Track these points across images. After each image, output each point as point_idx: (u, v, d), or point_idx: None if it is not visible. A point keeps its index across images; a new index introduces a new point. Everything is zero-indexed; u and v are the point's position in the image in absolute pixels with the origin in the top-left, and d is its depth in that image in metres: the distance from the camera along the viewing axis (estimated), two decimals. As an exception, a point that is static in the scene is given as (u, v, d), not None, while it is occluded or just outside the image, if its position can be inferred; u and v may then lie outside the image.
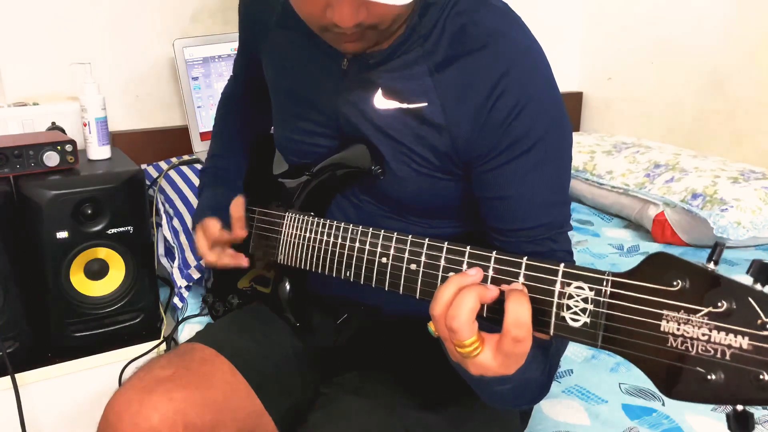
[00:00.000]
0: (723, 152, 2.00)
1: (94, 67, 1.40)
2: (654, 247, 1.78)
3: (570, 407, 1.09)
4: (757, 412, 1.07)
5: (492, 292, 0.61)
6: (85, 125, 1.38)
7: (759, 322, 0.43)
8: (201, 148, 1.71)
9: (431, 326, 0.62)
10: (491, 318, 0.61)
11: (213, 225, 1.02)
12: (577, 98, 2.53)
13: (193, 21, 1.81)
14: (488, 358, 0.60)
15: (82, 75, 1.38)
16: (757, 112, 1.97)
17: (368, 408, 0.84)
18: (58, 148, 1.26)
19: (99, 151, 1.40)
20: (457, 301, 0.59)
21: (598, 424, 1.04)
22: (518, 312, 0.57)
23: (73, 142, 1.28)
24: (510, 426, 0.93)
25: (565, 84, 2.51)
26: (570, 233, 0.85)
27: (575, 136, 2.19)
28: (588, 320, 0.55)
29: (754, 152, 1.96)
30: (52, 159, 1.26)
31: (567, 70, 2.52)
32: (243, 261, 1.04)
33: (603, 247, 1.76)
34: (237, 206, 1.03)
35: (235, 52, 1.70)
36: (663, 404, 1.09)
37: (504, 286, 0.61)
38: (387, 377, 0.90)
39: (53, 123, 1.50)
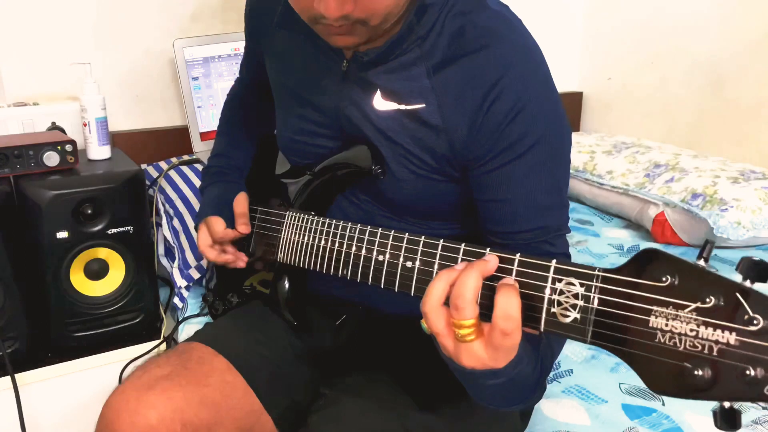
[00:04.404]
0: (723, 152, 2.00)
1: (94, 67, 1.40)
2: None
3: (570, 407, 1.09)
4: (758, 412, 1.06)
5: (491, 263, 0.61)
6: (85, 125, 1.39)
7: (746, 317, 0.43)
8: (201, 148, 1.71)
9: (424, 323, 0.63)
10: (482, 314, 0.61)
11: (217, 223, 1.02)
12: (577, 98, 2.53)
13: (193, 21, 1.81)
14: (480, 347, 0.60)
15: (82, 75, 1.38)
16: (757, 112, 1.96)
17: (369, 409, 0.84)
18: (58, 148, 1.27)
19: (99, 151, 1.40)
20: (461, 280, 0.59)
21: (598, 424, 1.04)
22: (507, 305, 0.57)
23: (73, 142, 1.28)
24: (510, 426, 0.93)
25: (565, 84, 2.51)
26: (569, 234, 0.85)
27: (575, 136, 2.19)
28: (578, 316, 0.55)
29: (754, 152, 1.96)
30: (52, 159, 1.26)
31: (567, 70, 2.51)
32: (241, 261, 1.04)
33: (603, 247, 1.76)
34: (240, 202, 1.04)
35: (236, 52, 1.73)
36: (663, 404, 1.09)
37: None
38: (387, 378, 0.90)
39: (53, 123, 1.50)
